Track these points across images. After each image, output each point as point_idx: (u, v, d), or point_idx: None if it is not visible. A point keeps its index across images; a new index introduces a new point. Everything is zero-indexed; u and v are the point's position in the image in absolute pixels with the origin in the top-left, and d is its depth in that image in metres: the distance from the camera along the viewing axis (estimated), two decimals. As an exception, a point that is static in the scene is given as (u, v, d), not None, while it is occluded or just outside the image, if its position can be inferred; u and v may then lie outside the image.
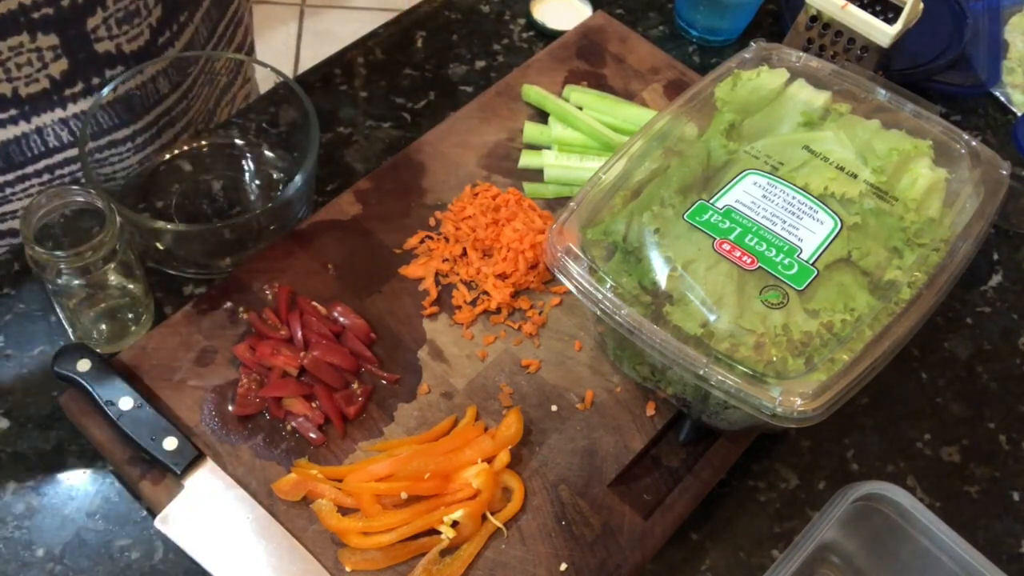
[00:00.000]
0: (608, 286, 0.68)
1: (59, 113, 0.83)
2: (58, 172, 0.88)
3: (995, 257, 0.97)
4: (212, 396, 0.77)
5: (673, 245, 0.69)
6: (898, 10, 0.95)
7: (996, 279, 0.96)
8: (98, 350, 0.81)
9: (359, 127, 0.98)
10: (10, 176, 0.85)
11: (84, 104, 0.84)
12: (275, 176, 0.93)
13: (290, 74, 1.99)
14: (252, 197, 0.92)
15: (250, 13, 1.08)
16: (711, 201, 0.72)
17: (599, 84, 1.00)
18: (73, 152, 0.87)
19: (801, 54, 0.83)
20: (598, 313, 0.68)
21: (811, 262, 0.68)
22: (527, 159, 0.94)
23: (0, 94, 0.79)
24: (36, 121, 0.83)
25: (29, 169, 0.86)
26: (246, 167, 0.93)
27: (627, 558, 0.73)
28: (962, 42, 1.07)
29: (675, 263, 0.68)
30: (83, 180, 0.89)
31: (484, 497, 0.72)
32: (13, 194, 0.87)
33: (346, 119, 0.98)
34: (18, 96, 0.80)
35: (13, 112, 0.81)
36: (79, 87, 0.83)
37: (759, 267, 0.68)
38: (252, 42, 1.10)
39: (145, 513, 0.75)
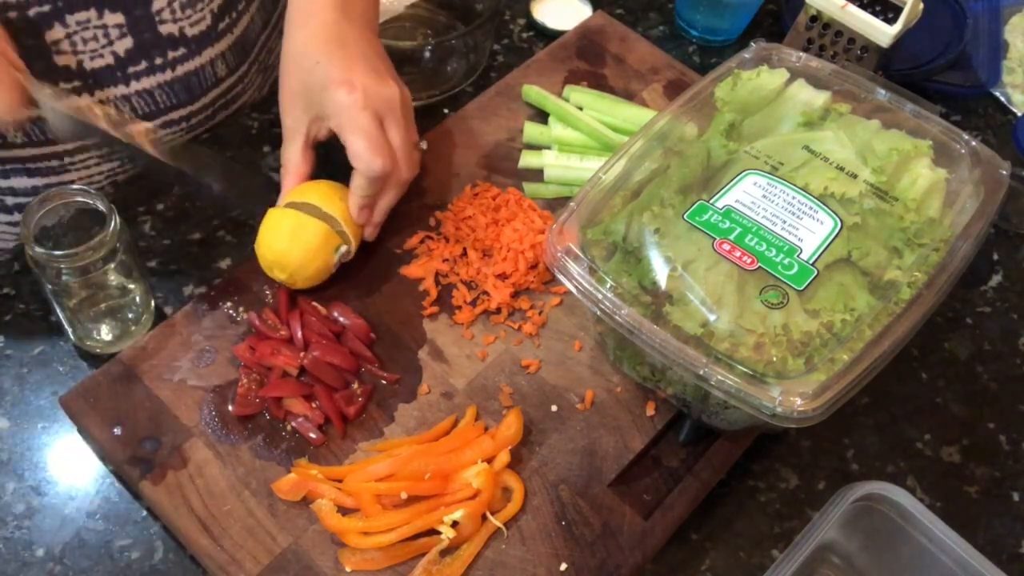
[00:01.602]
0: (608, 286, 0.68)
1: (122, 89, 0.86)
2: (117, 146, 0.89)
3: (995, 257, 0.97)
4: (212, 396, 0.77)
5: (673, 245, 0.69)
6: (898, 10, 0.95)
7: (996, 279, 0.96)
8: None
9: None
10: (70, 146, 0.88)
11: (147, 82, 0.87)
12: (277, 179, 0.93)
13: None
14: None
15: None
16: (711, 201, 0.72)
17: (599, 84, 1.00)
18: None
19: (801, 54, 0.83)
20: (598, 313, 0.68)
21: (811, 262, 0.68)
22: (527, 159, 0.94)
23: (64, 65, 0.82)
24: (99, 95, 0.86)
25: (89, 141, 0.88)
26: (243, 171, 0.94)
27: (627, 558, 0.73)
28: (962, 42, 1.07)
29: (675, 263, 0.68)
30: (137, 157, 0.91)
31: (484, 497, 0.72)
32: (72, 164, 0.90)
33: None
34: (83, 69, 0.83)
35: (77, 84, 0.84)
36: (143, 65, 0.86)
37: (759, 267, 0.68)
38: None
39: (145, 513, 0.75)
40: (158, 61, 0.87)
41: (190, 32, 0.87)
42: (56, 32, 0.79)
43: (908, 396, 0.87)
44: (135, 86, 0.87)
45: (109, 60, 0.84)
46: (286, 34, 0.83)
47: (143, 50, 0.85)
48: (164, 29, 0.85)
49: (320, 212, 0.80)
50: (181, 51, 0.88)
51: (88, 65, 0.83)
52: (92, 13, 0.80)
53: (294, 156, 0.83)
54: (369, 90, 0.78)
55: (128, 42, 0.83)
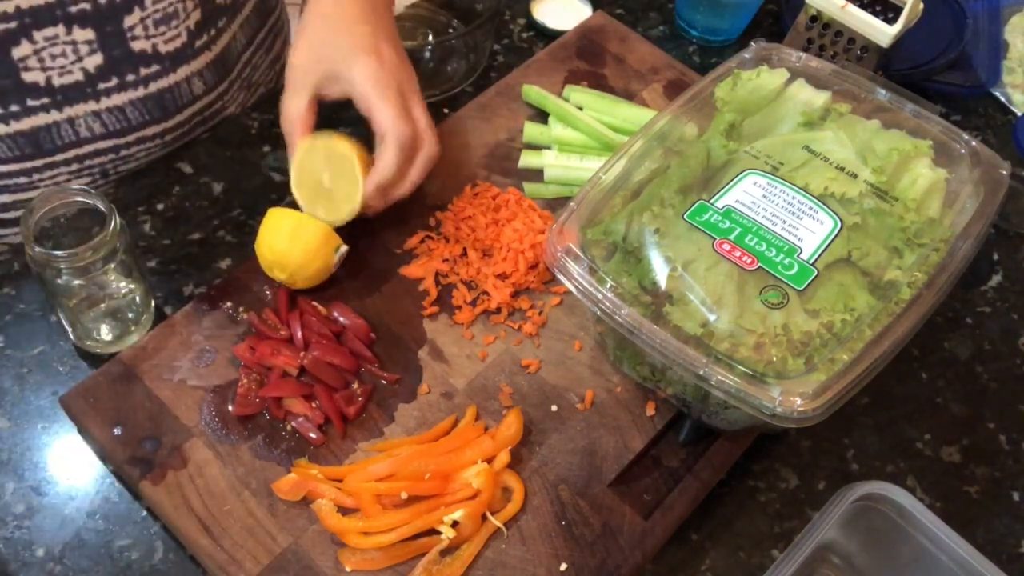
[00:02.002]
0: (608, 286, 0.68)
1: (92, 106, 0.85)
2: (87, 162, 0.89)
3: (995, 257, 0.97)
4: (212, 396, 0.77)
5: (673, 245, 0.69)
6: (898, 10, 0.95)
7: (996, 279, 0.96)
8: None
9: (359, 127, 0.97)
10: (39, 163, 0.86)
11: (118, 98, 0.86)
12: (277, 179, 0.93)
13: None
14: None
15: (289, 23, 1.09)
16: (711, 201, 0.72)
17: (599, 84, 1.00)
18: (104, 144, 0.88)
19: (801, 54, 0.83)
20: (598, 313, 0.68)
21: (811, 262, 0.68)
22: (527, 159, 0.94)
23: (33, 82, 0.81)
24: (68, 111, 0.84)
25: (58, 157, 0.87)
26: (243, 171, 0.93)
27: (627, 558, 0.73)
28: (962, 42, 1.07)
29: (675, 263, 0.68)
30: (110, 173, 0.91)
31: (484, 497, 0.72)
32: (40, 180, 0.88)
33: (346, 119, 0.98)
34: (51, 85, 0.82)
35: (45, 100, 0.82)
36: (113, 82, 0.84)
37: (759, 267, 0.68)
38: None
39: (145, 513, 0.75)
40: (130, 78, 0.85)
41: (164, 49, 0.85)
42: (23, 48, 0.78)
43: (908, 396, 0.87)
44: (105, 103, 0.85)
45: (78, 76, 0.82)
46: None
47: (114, 66, 0.83)
48: (136, 45, 0.83)
49: (335, 152, 0.80)
50: (154, 68, 0.86)
51: (57, 81, 0.81)
52: (60, 29, 0.78)
53: (300, 108, 0.80)
54: (394, 65, 0.79)
55: (98, 58, 0.82)
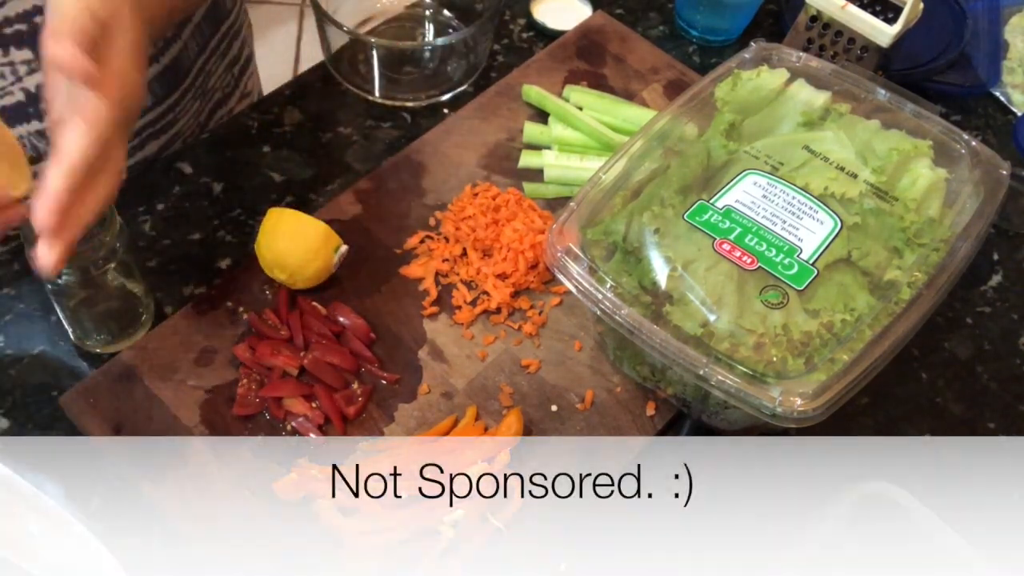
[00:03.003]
0: (608, 286, 0.68)
1: (35, 125, 0.83)
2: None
3: (995, 257, 0.97)
4: (212, 396, 0.77)
5: (673, 245, 0.69)
6: (898, 10, 0.95)
7: (996, 279, 0.96)
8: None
9: (359, 127, 0.98)
10: None
11: None
12: (277, 179, 0.93)
13: (290, 74, 1.98)
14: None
15: (248, 26, 1.07)
16: (711, 201, 0.72)
17: (599, 84, 1.00)
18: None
19: (801, 54, 0.83)
20: (598, 313, 0.68)
21: (811, 262, 0.68)
22: (527, 159, 0.94)
23: None
24: (13, 132, 0.82)
25: None
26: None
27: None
28: (962, 42, 1.07)
29: (675, 263, 0.68)
30: None
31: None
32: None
33: (346, 119, 0.98)
34: None
35: None
36: None
37: (759, 267, 0.68)
38: (250, 55, 1.09)
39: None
40: None
41: None
42: None
43: (908, 396, 0.87)
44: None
45: (19, 97, 0.80)
46: None
47: None
48: None
49: None
50: None
51: None
52: None
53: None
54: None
55: (38, 77, 0.79)
